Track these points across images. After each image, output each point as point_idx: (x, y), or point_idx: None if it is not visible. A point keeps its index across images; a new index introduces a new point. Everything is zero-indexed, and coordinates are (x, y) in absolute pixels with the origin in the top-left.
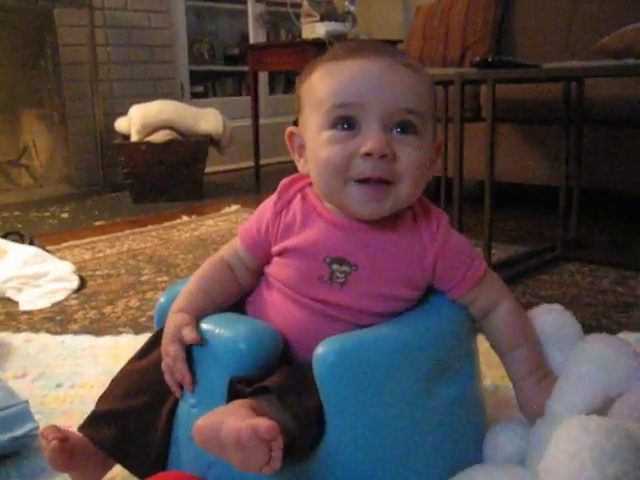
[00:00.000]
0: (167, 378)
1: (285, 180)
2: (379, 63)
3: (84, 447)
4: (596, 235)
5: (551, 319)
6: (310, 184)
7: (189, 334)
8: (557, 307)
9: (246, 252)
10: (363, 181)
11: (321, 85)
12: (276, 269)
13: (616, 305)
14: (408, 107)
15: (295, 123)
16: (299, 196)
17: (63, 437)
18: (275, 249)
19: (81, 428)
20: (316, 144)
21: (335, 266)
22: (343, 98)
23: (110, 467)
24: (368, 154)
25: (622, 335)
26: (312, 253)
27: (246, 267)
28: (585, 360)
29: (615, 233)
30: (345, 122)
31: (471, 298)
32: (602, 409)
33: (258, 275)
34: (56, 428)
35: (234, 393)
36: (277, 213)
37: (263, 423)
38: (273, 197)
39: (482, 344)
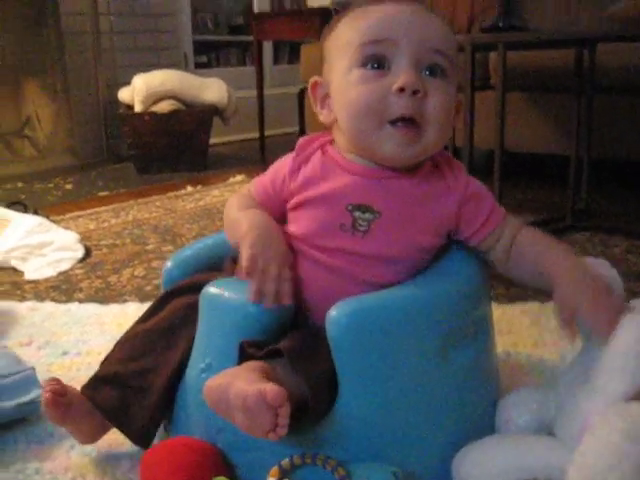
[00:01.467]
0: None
1: (303, 138)
2: (407, 7)
3: (81, 404)
4: (606, 205)
5: (600, 274)
6: (330, 142)
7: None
8: (604, 262)
9: (259, 203)
10: (396, 123)
11: (348, 29)
12: (292, 224)
13: (628, 274)
14: (439, 48)
15: (301, 93)
16: (319, 152)
17: (60, 391)
18: (292, 202)
19: (83, 389)
20: (345, 85)
21: (357, 213)
22: (374, 35)
23: (110, 428)
24: (401, 89)
25: (636, 302)
26: (334, 201)
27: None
28: (633, 333)
29: (625, 203)
30: (376, 60)
31: (493, 241)
32: None
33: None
34: (57, 381)
35: (245, 357)
36: (296, 169)
37: (270, 388)
38: (291, 154)
39: (494, 311)
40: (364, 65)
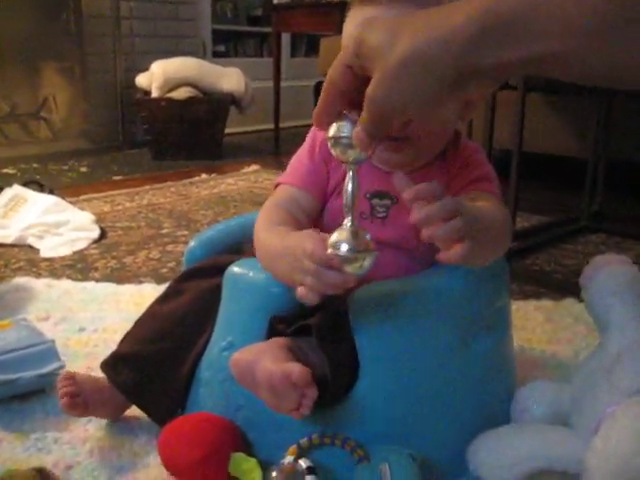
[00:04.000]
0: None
1: None
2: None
3: (99, 392)
4: (621, 208)
5: (625, 270)
6: None
7: None
8: (627, 259)
9: (300, 191)
10: None
11: (344, 37)
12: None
13: None
14: None
15: (317, 87)
16: None
17: (75, 392)
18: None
19: (102, 366)
20: None
21: (375, 200)
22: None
23: (129, 406)
24: None
25: None
26: None
27: (302, 209)
28: None
29: None
30: None
31: None
32: None
33: (314, 215)
34: (71, 380)
35: (274, 333)
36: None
37: (297, 369)
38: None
39: None
40: None
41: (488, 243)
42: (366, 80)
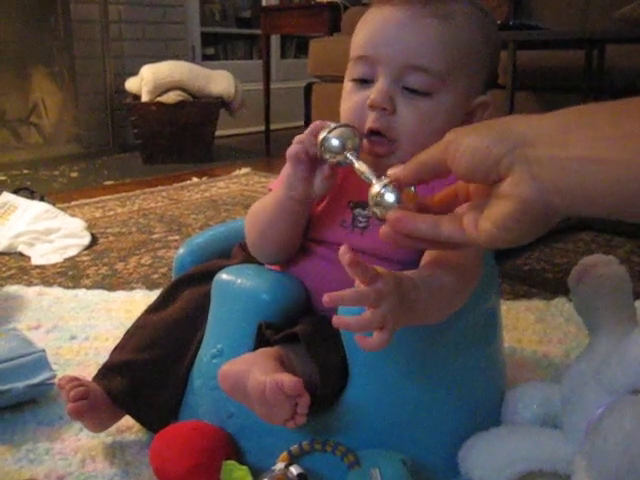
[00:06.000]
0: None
1: None
2: (401, 13)
3: (98, 396)
4: None
5: (611, 272)
6: None
7: None
8: (614, 259)
9: None
10: (370, 136)
11: (355, 33)
12: None
13: (631, 274)
14: (419, 64)
15: (307, 88)
16: None
17: (84, 395)
18: None
19: (95, 378)
20: (343, 93)
21: (358, 210)
22: (360, 52)
23: (120, 417)
24: (370, 106)
25: (638, 303)
26: (337, 197)
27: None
28: None
29: None
30: (362, 76)
31: None
32: None
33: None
34: (75, 382)
35: (262, 339)
36: None
37: (288, 379)
38: None
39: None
40: (353, 79)
41: (431, 307)
42: None
